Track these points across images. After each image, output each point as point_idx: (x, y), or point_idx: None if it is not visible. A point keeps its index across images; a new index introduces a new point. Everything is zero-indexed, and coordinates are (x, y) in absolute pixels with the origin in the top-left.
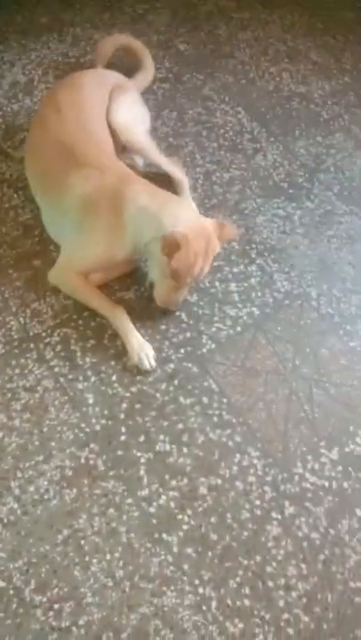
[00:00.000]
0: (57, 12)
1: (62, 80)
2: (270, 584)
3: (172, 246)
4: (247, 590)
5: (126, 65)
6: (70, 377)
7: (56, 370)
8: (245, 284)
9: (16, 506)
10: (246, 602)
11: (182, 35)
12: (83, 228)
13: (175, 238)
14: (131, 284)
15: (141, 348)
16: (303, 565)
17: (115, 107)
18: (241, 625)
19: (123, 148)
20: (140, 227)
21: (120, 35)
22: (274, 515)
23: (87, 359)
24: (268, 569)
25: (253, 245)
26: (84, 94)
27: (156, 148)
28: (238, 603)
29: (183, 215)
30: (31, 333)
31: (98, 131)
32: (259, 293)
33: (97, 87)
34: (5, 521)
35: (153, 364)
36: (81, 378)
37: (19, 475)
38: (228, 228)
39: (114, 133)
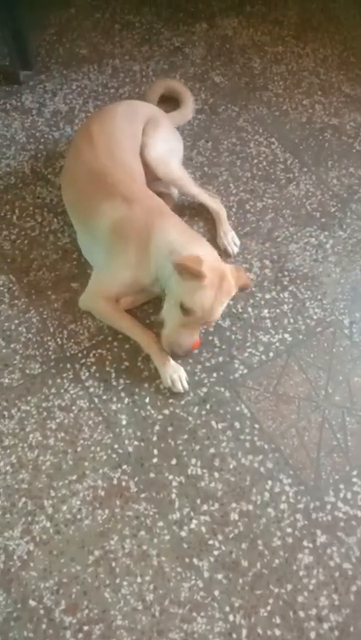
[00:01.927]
0: (97, 44)
1: (97, 111)
2: (302, 614)
3: (194, 262)
4: (278, 619)
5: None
6: (104, 398)
7: (91, 390)
8: (278, 311)
9: (49, 524)
10: (277, 631)
11: (218, 67)
12: (111, 255)
13: (197, 258)
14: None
15: (174, 370)
16: (335, 596)
17: (150, 142)
18: None
19: (157, 178)
20: (163, 260)
21: (169, 79)
22: (305, 543)
23: (121, 381)
24: (300, 598)
25: (286, 273)
26: (116, 125)
27: (192, 180)
28: (269, 632)
29: (206, 253)
30: (68, 354)
31: (129, 161)
32: (291, 320)
33: (129, 118)
34: (38, 539)
35: (186, 386)
36: (115, 399)
37: (52, 494)
38: (242, 274)
39: (148, 167)
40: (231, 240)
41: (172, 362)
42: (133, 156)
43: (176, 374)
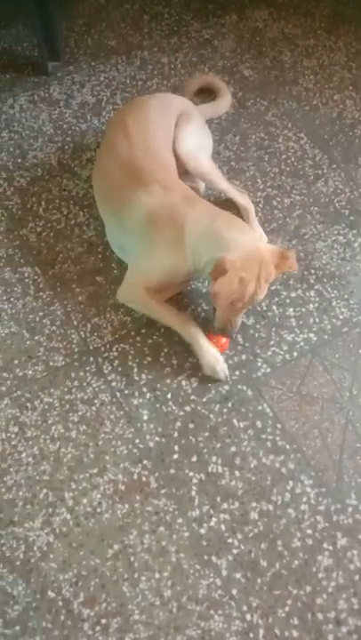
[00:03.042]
0: (125, 35)
1: (130, 103)
2: (320, 616)
3: (219, 271)
4: (296, 621)
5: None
6: (126, 392)
7: (113, 384)
8: (303, 310)
9: (69, 517)
10: (295, 633)
11: (247, 60)
12: (146, 244)
13: (223, 263)
14: (188, 304)
15: (216, 359)
16: (354, 600)
17: (182, 135)
18: None
19: (186, 172)
20: (198, 247)
21: (207, 74)
22: (325, 545)
23: (143, 376)
24: (319, 600)
25: (312, 271)
26: (151, 118)
27: (221, 175)
28: (286, 633)
29: (240, 239)
30: (91, 347)
31: (163, 153)
32: (317, 319)
33: (163, 111)
34: (58, 531)
35: (227, 373)
36: (137, 394)
37: (73, 486)
38: (289, 259)
39: (179, 160)
40: (260, 237)
41: (213, 350)
42: (167, 149)
43: (219, 365)
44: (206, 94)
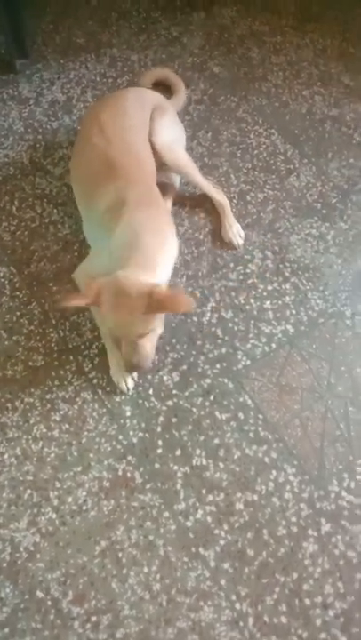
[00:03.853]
0: (94, 33)
1: (104, 98)
2: (307, 602)
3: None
4: (284, 607)
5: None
6: (108, 389)
7: (94, 382)
8: (280, 302)
9: (55, 516)
10: (283, 619)
11: (216, 57)
12: (96, 234)
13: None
14: None
15: (120, 374)
16: (340, 584)
17: (157, 128)
18: None
19: (161, 166)
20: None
21: (160, 68)
22: (310, 532)
23: (131, 383)
24: (305, 586)
25: (287, 264)
26: (127, 111)
27: (197, 169)
28: (275, 620)
29: (134, 265)
30: (70, 346)
31: (139, 146)
32: (293, 311)
33: (138, 105)
34: (44, 531)
35: (131, 386)
36: (118, 391)
37: (57, 485)
38: (179, 300)
39: (156, 153)
40: (236, 232)
41: (120, 362)
42: (143, 142)
43: (121, 374)
44: (161, 89)
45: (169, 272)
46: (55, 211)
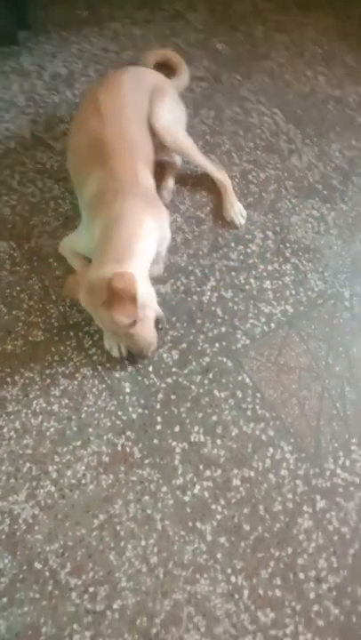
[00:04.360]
0: (96, 6)
1: (102, 78)
2: (301, 576)
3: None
4: (279, 581)
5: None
6: (108, 366)
7: (94, 358)
8: (280, 282)
9: (53, 489)
10: (278, 592)
11: (219, 34)
12: (84, 218)
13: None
14: (167, 279)
15: (111, 341)
16: (333, 559)
17: (157, 110)
18: (272, 615)
19: (162, 146)
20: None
21: (163, 49)
22: (305, 508)
23: (124, 349)
24: (300, 561)
25: (288, 245)
26: (124, 94)
27: (198, 149)
28: (270, 593)
29: (107, 257)
30: (70, 322)
31: (134, 131)
32: (293, 292)
33: (136, 86)
34: (43, 504)
35: (124, 353)
36: (118, 367)
37: (57, 459)
38: (118, 289)
39: (156, 135)
40: (238, 212)
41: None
42: (139, 126)
43: (117, 339)
44: (163, 69)
45: (150, 257)
46: (56, 186)
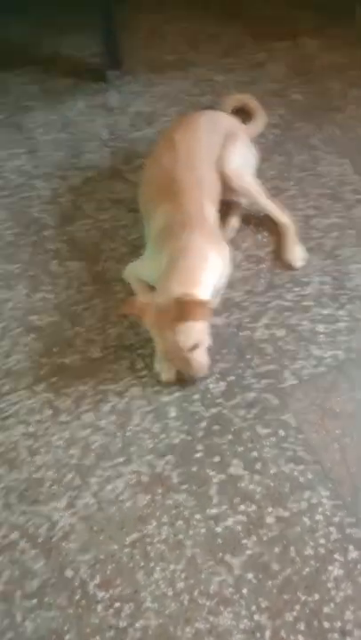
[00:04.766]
0: (183, 52)
1: (180, 119)
2: (326, 625)
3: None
4: (302, 626)
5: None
6: (156, 389)
7: (144, 380)
8: (333, 327)
9: (92, 501)
10: (300, 638)
11: (297, 85)
12: (149, 247)
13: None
14: (222, 312)
15: (164, 360)
16: None
17: (228, 154)
18: None
19: (230, 188)
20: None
21: (242, 95)
22: (337, 556)
23: (172, 374)
24: (326, 609)
25: (345, 291)
26: (198, 135)
27: (263, 193)
28: (292, 637)
29: (175, 282)
30: (126, 343)
31: (203, 171)
32: (345, 338)
33: (210, 129)
34: (81, 514)
35: (172, 379)
36: (166, 392)
37: (99, 472)
38: (197, 307)
39: (223, 178)
40: (298, 254)
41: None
42: (209, 166)
43: (168, 365)
44: (238, 114)
45: (211, 289)
46: (127, 215)
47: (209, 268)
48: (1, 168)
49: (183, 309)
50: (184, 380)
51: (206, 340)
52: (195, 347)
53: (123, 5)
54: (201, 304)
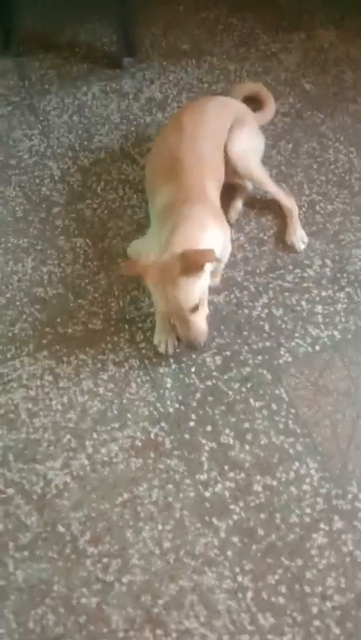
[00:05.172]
0: (198, 41)
1: (190, 103)
2: (307, 589)
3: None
4: (284, 589)
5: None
6: (154, 360)
7: (143, 352)
8: (331, 309)
9: (87, 462)
10: (281, 600)
11: (309, 75)
12: (152, 226)
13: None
14: (222, 290)
15: (167, 334)
16: (342, 579)
17: (234, 138)
18: (272, 620)
19: (235, 172)
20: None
21: (253, 83)
22: (322, 525)
23: (171, 346)
24: (308, 574)
25: (345, 275)
26: (205, 118)
27: (269, 177)
28: (273, 599)
29: (177, 244)
30: (127, 317)
31: (208, 153)
32: (343, 319)
33: (218, 113)
34: (75, 474)
35: (170, 351)
36: (163, 363)
37: (94, 436)
38: (203, 252)
39: (230, 160)
40: (300, 237)
41: (167, 326)
42: (214, 149)
43: (167, 338)
44: (249, 102)
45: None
46: (135, 196)
47: (208, 239)
48: (15, 148)
49: (189, 259)
50: (182, 349)
51: (205, 308)
52: (195, 307)
53: None
54: (206, 252)
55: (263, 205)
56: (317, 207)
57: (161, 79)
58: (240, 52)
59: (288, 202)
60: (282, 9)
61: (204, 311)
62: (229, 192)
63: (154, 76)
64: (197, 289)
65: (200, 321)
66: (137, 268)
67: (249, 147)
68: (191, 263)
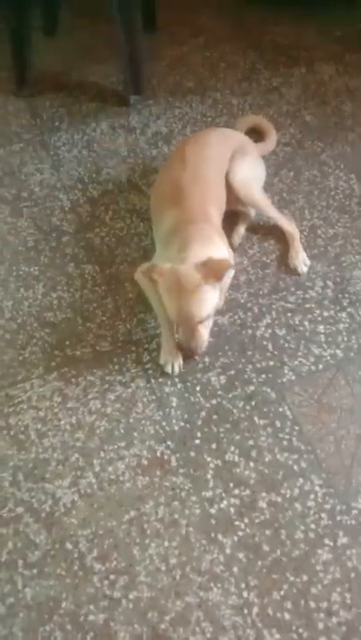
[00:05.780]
0: (202, 79)
1: (194, 134)
2: (313, 605)
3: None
4: (289, 605)
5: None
6: (160, 380)
7: (149, 372)
8: (333, 328)
9: (94, 481)
10: (287, 615)
11: (310, 107)
12: (158, 247)
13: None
14: (226, 312)
15: (173, 354)
16: (348, 595)
17: (235, 167)
18: (278, 636)
19: (238, 199)
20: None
21: (255, 115)
22: (327, 541)
23: (176, 366)
24: (313, 590)
25: (347, 295)
26: (208, 148)
27: (270, 204)
28: (279, 615)
29: (192, 257)
30: (134, 338)
31: (210, 181)
32: (345, 338)
33: (221, 143)
34: (82, 492)
35: (176, 371)
36: (169, 383)
37: (102, 454)
38: (211, 263)
39: (231, 189)
40: (302, 260)
41: (174, 348)
42: (216, 177)
43: (172, 358)
44: (253, 134)
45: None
46: (141, 224)
47: (218, 250)
48: (27, 181)
49: (211, 268)
50: (187, 370)
51: (211, 320)
52: (207, 318)
53: (154, 36)
54: (223, 261)
55: (266, 231)
56: (319, 231)
57: (167, 114)
58: (242, 87)
59: (290, 227)
60: (284, 46)
61: (210, 321)
62: (232, 218)
63: (160, 111)
64: (213, 299)
65: (205, 332)
66: (154, 272)
67: (251, 174)
68: (212, 272)
